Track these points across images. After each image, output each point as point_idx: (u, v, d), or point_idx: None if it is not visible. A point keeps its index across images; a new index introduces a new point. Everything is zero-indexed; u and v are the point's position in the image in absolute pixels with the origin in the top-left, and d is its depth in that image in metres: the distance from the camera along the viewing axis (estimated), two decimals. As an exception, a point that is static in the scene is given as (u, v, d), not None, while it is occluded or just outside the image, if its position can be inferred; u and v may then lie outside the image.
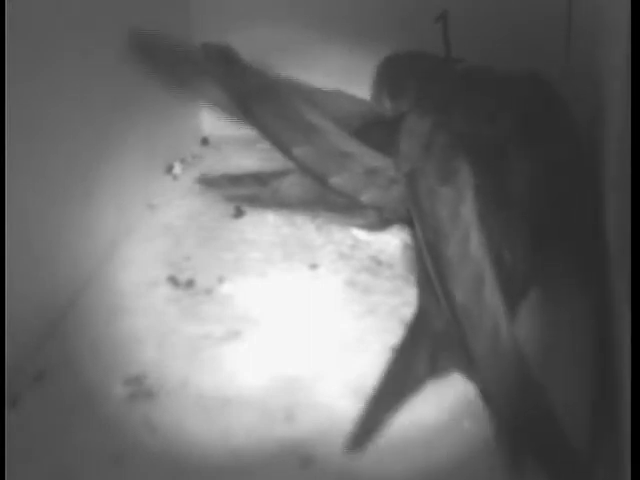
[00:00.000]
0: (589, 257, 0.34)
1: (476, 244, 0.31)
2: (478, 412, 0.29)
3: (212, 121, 0.49)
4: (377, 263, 0.38)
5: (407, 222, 0.37)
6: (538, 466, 0.27)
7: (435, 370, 0.29)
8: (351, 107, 0.41)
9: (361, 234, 0.39)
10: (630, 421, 0.21)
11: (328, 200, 0.39)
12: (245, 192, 0.42)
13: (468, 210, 0.32)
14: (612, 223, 0.29)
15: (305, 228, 0.41)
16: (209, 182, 0.43)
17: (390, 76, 0.42)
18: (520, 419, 0.28)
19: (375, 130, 0.40)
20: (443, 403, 0.29)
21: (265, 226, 0.41)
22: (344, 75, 0.46)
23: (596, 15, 0.34)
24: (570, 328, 0.32)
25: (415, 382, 0.29)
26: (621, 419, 0.26)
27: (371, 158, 0.37)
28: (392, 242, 0.39)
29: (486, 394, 0.29)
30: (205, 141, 0.50)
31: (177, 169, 0.46)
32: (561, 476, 0.26)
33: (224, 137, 0.49)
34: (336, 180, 0.36)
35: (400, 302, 0.35)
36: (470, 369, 0.29)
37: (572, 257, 0.35)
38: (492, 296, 0.30)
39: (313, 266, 0.38)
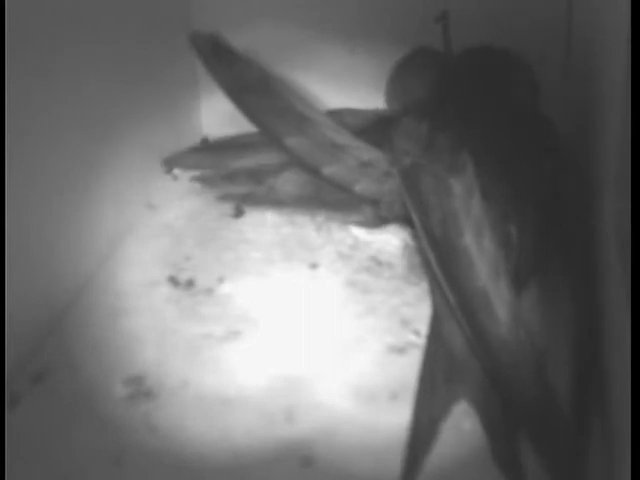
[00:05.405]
0: (584, 251, 0.34)
1: (489, 239, 0.31)
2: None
3: (212, 121, 0.49)
4: (377, 263, 0.38)
5: (403, 220, 0.37)
6: (538, 452, 0.27)
7: (453, 394, 0.29)
8: (348, 120, 0.41)
9: (360, 233, 0.39)
10: (630, 412, 0.21)
11: (323, 197, 0.39)
12: (240, 190, 0.41)
13: (477, 205, 0.32)
14: (611, 221, 0.29)
15: (305, 228, 0.40)
16: (205, 180, 0.43)
17: (399, 82, 0.42)
18: (532, 403, 0.28)
19: (373, 130, 0.40)
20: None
21: (265, 226, 0.41)
22: (344, 75, 0.46)
23: (596, 15, 0.34)
24: (563, 317, 0.32)
25: (441, 410, 0.29)
26: (612, 403, 0.26)
27: (365, 151, 0.37)
28: (392, 242, 0.39)
29: (500, 380, 0.29)
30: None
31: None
32: (558, 459, 0.27)
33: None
34: (329, 170, 0.37)
35: (400, 302, 0.35)
36: (479, 397, 0.29)
37: (567, 250, 0.35)
38: (506, 287, 0.30)
39: (313, 266, 0.38)
